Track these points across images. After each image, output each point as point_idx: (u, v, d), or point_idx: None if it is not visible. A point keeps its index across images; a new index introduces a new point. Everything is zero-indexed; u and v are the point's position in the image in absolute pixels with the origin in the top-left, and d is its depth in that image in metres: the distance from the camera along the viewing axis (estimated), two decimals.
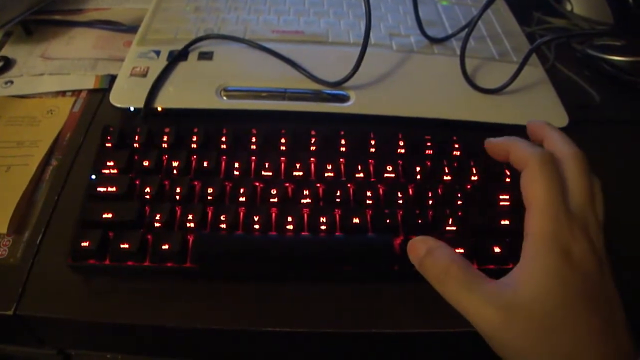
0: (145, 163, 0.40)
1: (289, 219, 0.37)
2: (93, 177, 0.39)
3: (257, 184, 0.39)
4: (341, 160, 0.41)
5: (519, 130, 0.37)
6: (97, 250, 0.35)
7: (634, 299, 0.29)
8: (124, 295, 0.36)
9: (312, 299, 0.37)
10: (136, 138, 0.42)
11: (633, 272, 0.35)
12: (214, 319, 0.36)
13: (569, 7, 0.68)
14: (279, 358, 0.44)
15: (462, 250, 0.36)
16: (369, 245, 0.36)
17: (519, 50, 0.56)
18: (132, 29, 0.57)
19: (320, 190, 0.39)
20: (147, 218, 0.37)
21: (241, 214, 0.38)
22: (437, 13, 0.61)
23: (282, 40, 0.54)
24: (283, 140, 0.42)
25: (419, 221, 0.38)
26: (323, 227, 0.37)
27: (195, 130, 0.42)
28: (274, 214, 0.38)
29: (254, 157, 0.41)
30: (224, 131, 0.42)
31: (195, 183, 0.39)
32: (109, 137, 0.42)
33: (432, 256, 0.30)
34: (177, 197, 0.38)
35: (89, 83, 0.52)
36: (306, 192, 0.39)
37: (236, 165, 0.40)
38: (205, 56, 0.51)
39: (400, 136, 0.43)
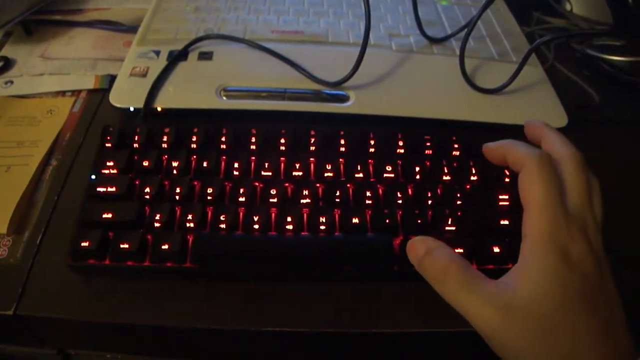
0: (145, 163, 0.40)
1: (289, 219, 0.37)
2: (93, 177, 0.39)
3: (257, 184, 0.39)
4: (341, 160, 0.41)
5: (518, 130, 0.38)
6: (97, 250, 0.35)
7: (633, 299, 0.29)
8: (123, 295, 0.36)
9: (312, 299, 0.37)
10: (136, 138, 0.42)
11: (633, 272, 0.35)
12: (213, 319, 0.36)
13: (568, 7, 0.68)
14: (279, 358, 0.44)
15: (461, 250, 0.36)
16: (369, 245, 0.37)
17: (518, 50, 0.56)
18: (132, 29, 0.57)
19: (320, 190, 0.39)
20: (147, 218, 0.37)
21: (241, 214, 0.38)
22: (437, 13, 0.61)
23: (282, 40, 0.54)
24: (283, 140, 0.42)
25: (419, 221, 0.38)
26: (323, 227, 0.37)
27: (195, 130, 0.42)
28: (273, 214, 0.38)
29: (253, 157, 0.41)
30: (224, 131, 0.42)
31: (195, 183, 0.39)
32: (108, 137, 0.42)
33: (431, 256, 0.31)
34: (177, 197, 0.38)
35: (89, 83, 0.52)
36: (306, 192, 0.39)
37: (236, 165, 0.40)
38: (205, 56, 0.51)
39: (399, 136, 0.43)
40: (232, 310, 0.36)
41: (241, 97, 0.48)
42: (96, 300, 0.36)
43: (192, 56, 0.51)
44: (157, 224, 0.37)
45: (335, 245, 0.36)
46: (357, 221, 0.37)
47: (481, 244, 0.37)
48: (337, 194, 0.39)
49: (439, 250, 0.31)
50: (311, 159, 0.41)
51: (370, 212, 0.38)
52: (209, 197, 0.38)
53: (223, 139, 0.42)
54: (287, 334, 0.36)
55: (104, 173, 0.40)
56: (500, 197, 0.39)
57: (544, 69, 0.54)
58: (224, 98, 0.48)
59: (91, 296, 0.36)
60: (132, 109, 0.47)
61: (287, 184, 0.39)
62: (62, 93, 0.51)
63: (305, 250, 0.36)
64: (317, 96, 0.48)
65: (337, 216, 0.38)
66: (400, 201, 0.39)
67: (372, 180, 0.41)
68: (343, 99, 0.48)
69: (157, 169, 0.40)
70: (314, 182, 0.40)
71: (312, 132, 0.43)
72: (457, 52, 0.51)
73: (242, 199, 0.38)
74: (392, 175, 0.41)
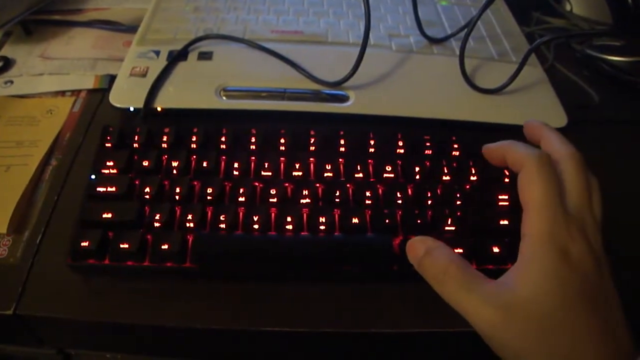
0: (145, 163, 0.40)
1: (289, 219, 0.37)
2: (93, 177, 0.39)
3: (257, 184, 0.39)
4: (340, 160, 0.41)
5: (518, 131, 0.38)
6: (97, 250, 0.35)
7: (633, 299, 0.29)
8: (123, 295, 0.36)
9: (312, 299, 0.37)
10: (136, 138, 0.42)
11: (632, 272, 0.35)
12: (213, 319, 0.36)
13: (568, 7, 0.68)
14: (279, 358, 0.44)
15: (461, 250, 0.36)
16: (368, 245, 0.37)
17: (518, 51, 0.56)
18: (131, 29, 0.57)
19: (320, 190, 0.39)
20: (146, 218, 0.37)
21: (241, 214, 0.38)
22: (437, 13, 0.61)
23: (282, 40, 0.54)
24: (282, 140, 0.42)
25: (418, 221, 0.38)
26: (322, 227, 0.37)
27: (195, 130, 0.42)
28: (273, 214, 0.38)
29: (253, 157, 0.41)
30: (224, 131, 0.42)
31: (195, 183, 0.39)
32: (108, 137, 0.42)
33: (430, 256, 0.31)
34: (177, 197, 0.38)
35: (89, 83, 0.52)
36: (305, 192, 0.39)
37: (236, 165, 0.40)
38: (205, 56, 0.51)
39: (399, 136, 0.43)
40: (232, 310, 0.36)
41: (241, 97, 0.48)
42: (96, 300, 0.36)
43: (192, 56, 0.51)
44: (157, 224, 0.37)
45: (335, 245, 0.36)
46: (357, 221, 0.37)
47: (481, 244, 0.37)
48: (337, 194, 0.39)
49: (439, 250, 0.31)
50: (311, 159, 0.41)
51: (370, 212, 0.38)
52: (208, 197, 0.38)
53: (223, 139, 0.42)
54: (287, 334, 0.36)
55: (104, 173, 0.40)
56: (500, 197, 0.39)
57: (543, 69, 0.54)
58: (224, 98, 0.48)
59: (91, 296, 0.36)
60: (131, 109, 0.47)
61: (286, 184, 0.39)
62: (62, 93, 0.51)
63: (305, 250, 0.36)
64: (316, 96, 0.48)
65: (336, 216, 0.38)
66: (400, 201, 0.39)
67: (371, 180, 0.41)
68: (343, 99, 0.48)
69: (157, 168, 0.40)
70: (314, 182, 0.40)
71: (312, 132, 0.43)
72: (457, 52, 0.51)
73: (242, 199, 0.38)
74: (392, 175, 0.41)
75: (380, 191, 0.40)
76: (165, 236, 0.36)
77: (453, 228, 0.38)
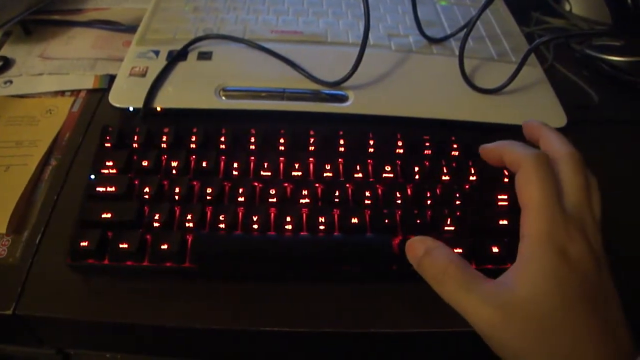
0: (145, 163, 0.40)
1: (288, 219, 0.37)
2: (92, 177, 0.39)
3: (256, 184, 0.39)
4: (340, 160, 0.41)
5: (517, 131, 0.38)
6: (96, 250, 0.35)
7: (633, 299, 0.29)
8: (123, 295, 0.36)
9: (311, 299, 0.37)
10: (135, 138, 0.42)
11: (632, 272, 0.35)
12: (213, 318, 0.36)
13: (567, 7, 0.68)
14: (279, 358, 0.44)
15: (460, 250, 0.36)
16: (368, 245, 0.37)
17: (517, 51, 0.56)
18: (131, 28, 0.57)
19: (319, 190, 0.39)
20: (146, 218, 0.37)
21: (240, 214, 0.38)
22: (436, 13, 0.61)
23: (281, 40, 0.54)
24: (282, 140, 0.42)
25: (418, 221, 0.38)
26: (322, 227, 0.37)
27: (195, 130, 0.42)
28: (272, 214, 0.38)
29: (252, 157, 0.41)
30: (223, 131, 0.42)
31: (194, 183, 0.39)
32: (108, 137, 0.42)
33: (430, 256, 0.31)
34: (176, 197, 0.38)
35: (88, 83, 0.52)
36: (305, 192, 0.39)
37: (235, 165, 0.40)
38: (205, 56, 0.51)
39: (398, 136, 0.43)
40: (232, 310, 0.36)
41: (240, 97, 0.48)
42: (95, 299, 0.36)
43: (192, 56, 0.51)
44: (156, 224, 0.37)
45: (335, 245, 0.36)
46: (356, 221, 0.37)
47: (480, 244, 0.37)
48: (336, 194, 0.39)
49: (438, 250, 0.31)
50: (310, 159, 0.41)
51: (369, 212, 0.38)
52: (208, 197, 0.38)
53: (222, 138, 0.42)
54: (287, 334, 0.36)
55: (103, 173, 0.40)
56: (499, 197, 0.39)
57: (543, 69, 0.54)
58: (223, 98, 0.48)
59: (90, 296, 0.36)
60: (131, 108, 0.47)
61: (286, 184, 0.39)
62: (62, 93, 0.51)
63: (304, 250, 0.36)
64: (316, 96, 0.48)
65: (336, 216, 0.38)
66: (399, 201, 0.39)
67: (371, 180, 0.41)
68: (342, 99, 0.48)
69: (156, 168, 0.40)
70: (313, 182, 0.40)
71: (311, 132, 0.43)
72: (457, 52, 0.51)
73: (241, 199, 0.38)
74: (391, 175, 0.41)
75: (379, 191, 0.40)
76: (164, 236, 0.36)
77: (452, 228, 0.38)
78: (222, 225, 0.37)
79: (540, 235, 0.29)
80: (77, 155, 0.45)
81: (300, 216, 0.37)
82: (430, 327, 0.36)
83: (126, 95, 0.47)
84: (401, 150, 0.43)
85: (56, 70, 0.53)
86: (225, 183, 0.39)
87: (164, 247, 0.35)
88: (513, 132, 0.37)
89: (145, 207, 0.37)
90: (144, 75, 0.49)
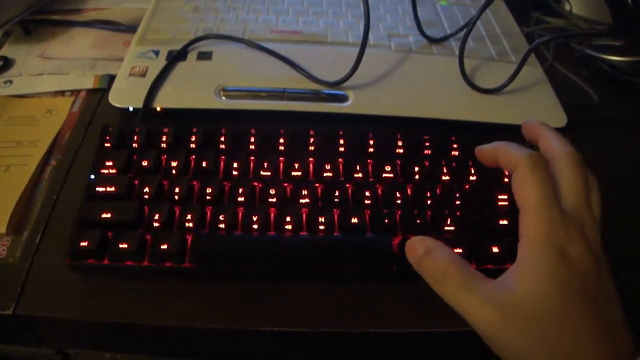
0: (144, 163, 0.40)
1: (288, 219, 0.37)
2: (92, 177, 0.39)
3: (256, 183, 0.39)
4: (340, 160, 0.41)
5: (517, 131, 0.37)
6: (96, 250, 0.35)
7: (633, 299, 0.29)
8: (122, 295, 0.36)
9: (311, 299, 0.37)
10: (135, 138, 0.42)
11: (632, 272, 0.35)
12: (213, 318, 0.36)
13: (567, 7, 0.68)
14: (279, 358, 0.44)
15: (460, 250, 0.36)
16: (368, 245, 0.36)
17: (517, 50, 0.56)
18: (131, 28, 0.57)
19: (319, 190, 0.39)
20: (145, 218, 0.37)
21: (240, 213, 0.38)
22: (436, 13, 0.61)
23: (281, 40, 0.54)
24: (282, 140, 0.42)
25: (418, 221, 0.38)
26: (322, 227, 0.37)
27: (194, 130, 0.42)
28: (272, 214, 0.38)
29: (252, 157, 0.41)
30: (223, 131, 0.42)
31: (194, 183, 0.39)
32: (108, 137, 0.42)
33: (430, 256, 0.30)
34: (176, 197, 0.38)
35: (88, 83, 0.52)
36: (305, 192, 0.39)
37: (235, 165, 0.40)
38: (204, 56, 0.51)
39: (398, 136, 0.43)
40: (232, 310, 0.36)
41: (240, 97, 0.48)
42: (95, 299, 0.36)
43: (191, 56, 0.51)
44: (156, 224, 0.37)
45: (334, 245, 0.36)
46: (356, 221, 0.37)
47: (480, 244, 0.37)
48: (336, 194, 0.39)
49: (438, 250, 0.31)
50: (310, 159, 0.41)
51: (369, 212, 0.38)
52: (208, 197, 0.38)
53: (222, 138, 0.42)
54: (287, 334, 0.36)
55: (103, 173, 0.40)
56: (499, 197, 0.39)
57: (543, 69, 0.54)
58: (223, 98, 0.48)
59: (90, 296, 0.36)
60: (131, 108, 0.47)
61: (286, 184, 0.39)
62: (62, 93, 0.51)
63: (304, 250, 0.36)
64: (316, 96, 0.48)
65: (336, 216, 0.38)
66: (399, 201, 0.39)
67: (371, 180, 0.41)
68: (342, 98, 0.48)
69: (156, 168, 0.40)
70: (313, 182, 0.40)
71: (311, 132, 0.43)
72: (457, 52, 0.51)
73: (241, 199, 0.38)
74: (391, 175, 0.41)
75: (379, 191, 0.40)
76: (164, 236, 0.36)
77: (452, 228, 0.38)
78: (222, 225, 0.37)
79: (538, 236, 0.29)
80: (77, 155, 0.45)
81: (300, 216, 0.37)
82: (430, 327, 0.36)
83: (126, 95, 0.47)
84: (401, 150, 0.43)
85: (56, 70, 0.53)
86: (225, 183, 0.39)
87: (164, 247, 0.35)
88: (513, 132, 0.37)
89: (145, 207, 0.37)
90: (143, 75, 0.49)
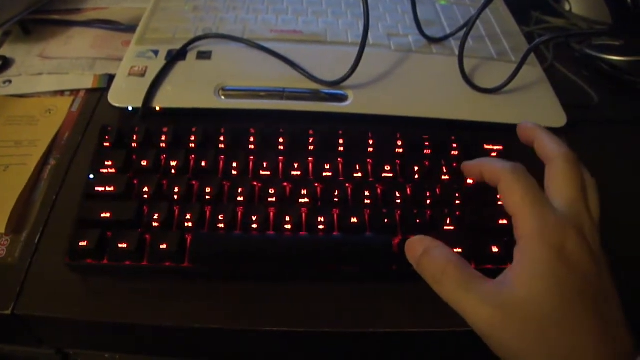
0: (144, 162, 0.40)
1: (287, 218, 0.37)
2: (91, 176, 0.39)
3: (255, 183, 0.39)
4: (339, 159, 0.41)
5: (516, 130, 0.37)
6: (95, 249, 0.35)
7: (633, 299, 0.29)
8: (122, 295, 0.36)
9: (311, 299, 0.37)
10: (134, 137, 0.42)
11: (632, 272, 0.35)
12: (212, 318, 0.35)
13: (567, 7, 0.68)
14: (279, 358, 0.44)
15: (460, 250, 0.36)
16: (367, 245, 0.36)
17: (517, 50, 0.56)
18: (130, 28, 0.57)
19: (319, 190, 0.39)
20: (145, 217, 0.37)
21: (239, 213, 0.38)
22: (436, 13, 0.61)
23: (281, 39, 0.54)
24: (281, 140, 0.42)
25: (417, 221, 0.38)
26: (321, 227, 0.37)
27: (194, 129, 0.42)
28: (272, 214, 0.38)
29: (252, 157, 0.41)
30: (222, 131, 0.42)
31: (194, 182, 0.39)
32: (107, 137, 0.42)
33: (429, 256, 0.31)
34: (175, 197, 0.38)
35: (88, 82, 0.52)
36: (304, 192, 0.39)
37: (234, 164, 0.40)
38: (204, 56, 0.51)
39: (398, 136, 0.43)
40: (231, 310, 0.36)
41: (240, 96, 0.48)
42: (94, 299, 0.36)
43: (191, 56, 0.51)
44: (155, 224, 0.37)
45: (334, 245, 0.36)
46: (356, 221, 0.37)
47: (480, 244, 0.37)
48: (336, 193, 0.39)
49: (437, 250, 0.31)
50: (310, 158, 0.41)
51: (368, 211, 0.38)
52: (207, 197, 0.38)
53: (221, 138, 0.42)
54: (286, 333, 0.36)
55: (102, 172, 0.40)
56: (499, 196, 0.39)
57: (543, 69, 0.54)
58: (223, 97, 0.48)
59: (89, 295, 0.36)
60: (130, 108, 0.47)
61: (285, 184, 0.39)
62: (61, 92, 0.51)
63: (303, 250, 0.36)
64: (315, 96, 0.48)
65: (335, 216, 0.38)
66: (398, 201, 0.39)
67: (370, 179, 0.41)
68: (342, 98, 0.48)
69: (155, 168, 0.40)
70: (313, 181, 0.40)
71: (311, 132, 0.43)
72: (456, 52, 0.51)
73: (240, 199, 0.38)
74: (391, 174, 0.41)
75: (379, 191, 0.40)
76: (163, 236, 0.36)
77: (452, 228, 0.38)
78: (221, 225, 0.37)
79: (532, 234, 0.29)
80: (76, 154, 0.45)
81: (299, 216, 0.37)
82: (430, 327, 0.36)
83: (125, 95, 0.47)
84: (401, 150, 0.43)
85: (55, 70, 0.53)
86: (225, 182, 0.39)
87: (163, 246, 0.35)
88: (513, 132, 0.37)
89: (145, 207, 0.37)
90: (143, 74, 0.49)
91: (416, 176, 0.41)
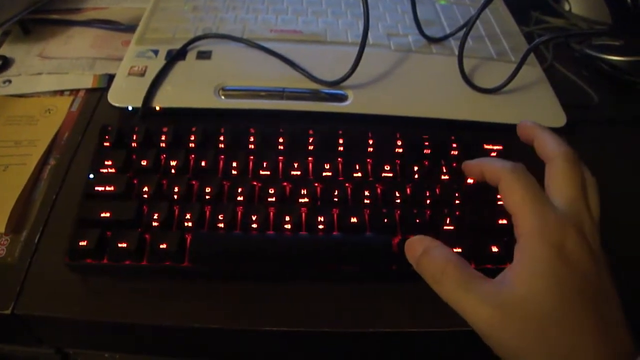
0: (143, 162, 0.40)
1: (287, 218, 0.37)
2: (91, 176, 0.39)
3: (255, 183, 0.39)
4: (339, 159, 0.41)
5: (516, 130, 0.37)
6: (95, 249, 0.35)
7: (633, 299, 0.29)
8: (122, 295, 0.36)
9: (311, 299, 0.37)
10: (134, 137, 0.42)
11: (632, 272, 0.35)
12: (212, 318, 0.35)
13: (567, 7, 0.68)
14: (279, 358, 0.44)
15: (459, 250, 0.36)
16: (367, 245, 0.36)
17: (517, 50, 0.56)
18: (130, 28, 0.57)
19: (318, 190, 0.39)
20: (145, 217, 0.37)
21: (239, 213, 0.38)
22: (436, 13, 0.61)
23: (281, 39, 0.54)
24: (281, 140, 0.42)
25: (417, 220, 0.38)
26: (321, 227, 0.37)
27: (194, 129, 0.42)
28: (271, 214, 0.38)
29: (252, 157, 0.41)
30: (222, 130, 0.42)
31: (193, 182, 0.39)
32: (107, 137, 0.42)
33: (428, 255, 0.31)
34: (175, 197, 0.38)
35: (87, 82, 0.52)
36: (304, 192, 0.39)
37: (234, 164, 0.40)
38: (204, 55, 0.51)
39: (398, 136, 0.43)
40: (231, 310, 0.36)
41: (239, 96, 0.48)
42: (94, 299, 0.36)
43: (191, 55, 0.51)
44: (155, 223, 0.37)
45: (334, 245, 0.36)
46: (356, 221, 0.37)
47: (479, 244, 0.37)
48: (336, 193, 0.39)
49: (437, 250, 0.31)
50: (309, 158, 0.41)
51: (368, 211, 0.38)
52: (207, 197, 0.38)
53: (221, 138, 0.42)
54: (286, 333, 0.36)
55: (102, 172, 0.40)
56: (499, 196, 0.39)
57: (542, 69, 0.54)
58: (223, 97, 0.48)
59: (89, 295, 0.36)
60: (130, 108, 0.47)
61: (285, 184, 0.39)
62: (61, 92, 0.51)
63: (303, 250, 0.36)
64: (315, 95, 0.48)
65: (335, 216, 0.38)
66: (398, 201, 0.39)
67: (370, 179, 0.41)
68: (341, 98, 0.48)
69: (155, 168, 0.40)
70: (313, 181, 0.40)
71: (311, 132, 0.43)
72: (456, 52, 0.51)
73: (240, 198, 0.38)
74: (391, 174, 0.41)
75: (378, 190, 0.40)
76: (163, 235, 0.36)
77: (452, 227, 0.38)
78: (221, 225, 0.37)
79: (532, 232, 0.29)
80: (76, 154, 0.45)
81: (299, 216, 0.37)
82: (430, 327, 0.36)
83: (125, 95, 0.47)
84: (400, 150, 0.43)
85: (55, 70, 0.53)
86: (224, 182, 0.39)
87: (163, 246, 0.35)
88: (512, 132, 0.37)
89: (144, 207, 0.37)
90: (143, 74, 0.49)
91: (416, 176, 0.41)
